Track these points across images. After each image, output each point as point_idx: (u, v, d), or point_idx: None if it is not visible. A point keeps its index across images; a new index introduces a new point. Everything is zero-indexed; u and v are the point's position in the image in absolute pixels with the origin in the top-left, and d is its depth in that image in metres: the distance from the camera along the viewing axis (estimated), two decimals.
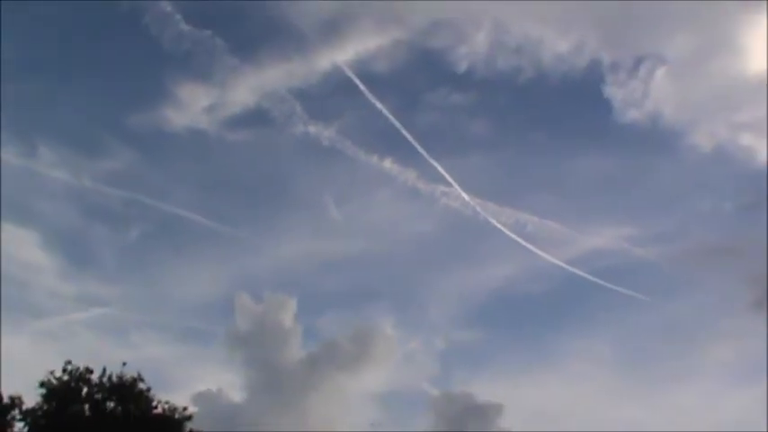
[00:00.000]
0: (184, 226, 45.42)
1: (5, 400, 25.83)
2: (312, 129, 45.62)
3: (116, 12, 38.92)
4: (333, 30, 44.65)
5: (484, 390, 52.53)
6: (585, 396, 60.84)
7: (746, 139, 64.58)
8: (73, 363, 26.46)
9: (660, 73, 63.73)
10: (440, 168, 51.40)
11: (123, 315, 46.75)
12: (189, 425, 27.36)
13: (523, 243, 54.85)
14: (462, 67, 52.66)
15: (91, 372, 26.64)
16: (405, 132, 48.24)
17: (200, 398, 44.06)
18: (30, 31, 41.89)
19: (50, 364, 25.47)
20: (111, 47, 43.47)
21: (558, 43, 52.23)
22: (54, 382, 26.06)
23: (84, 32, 42.70)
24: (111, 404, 26.44)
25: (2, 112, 41.75)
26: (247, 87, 43.55)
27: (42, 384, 26.03)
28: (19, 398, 26.01)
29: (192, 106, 43.61)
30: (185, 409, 27.55)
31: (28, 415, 25.73)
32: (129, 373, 26.87)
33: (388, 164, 49.46)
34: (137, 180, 43.97)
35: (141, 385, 26.94)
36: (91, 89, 43.50)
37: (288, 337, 49.42)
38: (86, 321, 45.18)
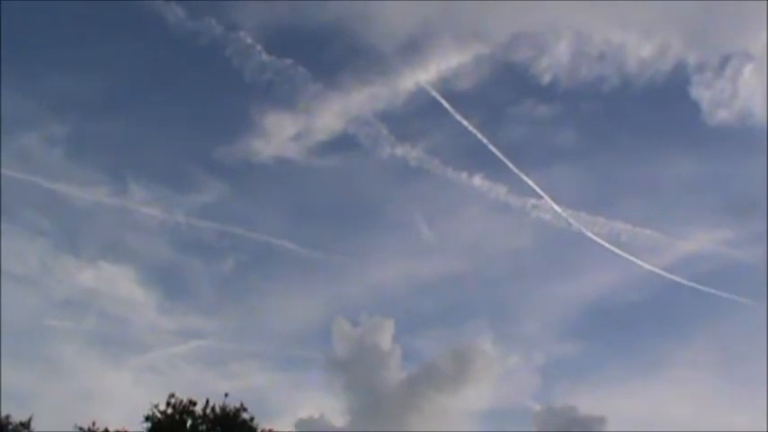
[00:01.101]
0: (278, 254, 45.68)
1: None
2: (399, 150, 45.18)
3: (198, 46, 39.39)
4: (414, 50, 44.20)
5: (586, 402, 50.62)
6: (689, 403, 57.83)
7: None
8: (176, 395, 26.34)
9: (747, 70, 60.40)
10: (529, 181, 50.00)
11: (222, 346, 47.21)
12: None
13: (619, 252, 52.61)
14: (546, 78, 51.23)
15: (194, 404, 26.42)
16: (492, 147, 47.27)
17: (302, 424, 43.73)
18: (114, 71, 42.87)
19: (154, 398, 25.39)
20: (194, 81, 44.12)
21: (642, 47, 50.22)
22: (159, 415, 25.94)
23: (168, 68, 43.45)
24: None
25: (94, 153, 42.73)
26: (332, 113, 43.35)
27: (147, 418, 25.94)
28: None
29: (279, 135, 43.78)
30: None
31: None
32: (232, 404, 26.58)
33: (477, 180, 48.52)
34: (228, 212, 44.36)
35: (244, 415, 26.58)
36: (178, 125, 44.23)
37: (387, 359, 48.85)
38: (187, 354, 45.82)
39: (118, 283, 41.24)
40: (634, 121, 63.56)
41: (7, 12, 40.76)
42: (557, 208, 50.89)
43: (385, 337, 48.70)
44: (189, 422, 26.08)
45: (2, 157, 40.11)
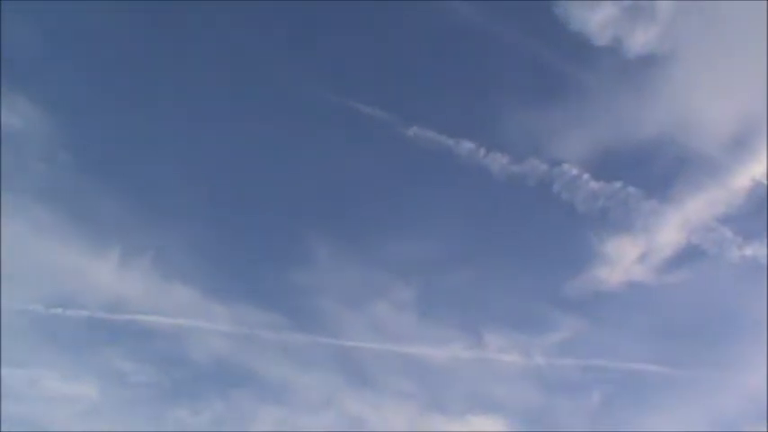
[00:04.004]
0: (644, 379, 43.04)
1: None
2: (748, 250, 41.42)
3: (524, 187, 39.03)
4: (742, 145, 41.02)
5: None
6: None
7: None
8: None
9: None
10: None
11: None
12: None
13: None
14: None
15: None
16: None
17: None
18: (448, 227, 43.24)
19: None
20: (527, 222, 43.46)
21: None
22: None
23: (498, 214, 43.22)
24: None
25: (443, 311, 43.09)
26: (672, 227, 40.81)
27: None
28: None
29: (623, 260, 41.72)
30: None
31: None
32: None
33: None
34: (586, 345, 42.48)
35: None
36: (520, 269, 43.43)
37: None
38: None
39: None
40: None
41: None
42: None
43: None
44: None
45: (360, 330, 41.01)
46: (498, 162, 39.02)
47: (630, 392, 44.60)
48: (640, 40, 38.90)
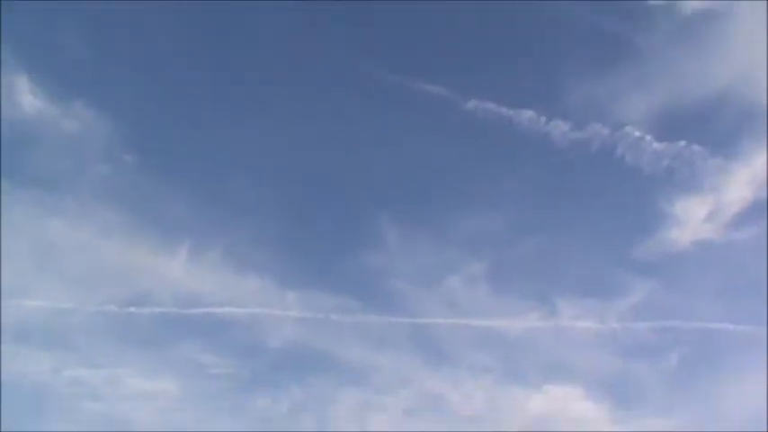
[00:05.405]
0: (720, 338, 42.58)
1: None
2: None
3: (587, 152, 38.80)
4: None
5: None
6: None
7: None
8: None
9: None
10: None
11: None
12: None
13: None
14: None
15: None
16: None
17: None
18: (511, 198, 42.91)
19: None
20: (593, 188, 42.97)
21: None
22: None
23: (562, 181, 42.84)
24: None
25: (515, 282, 42.82)
26: (739, 183, 40.21)
27: None
28: None
29: (691, 220, 41.20)
30: None
31: None
32: None
33: None
34: (660, 307, 42.06)
35: None
36: (590, 234, 42.82)
37: None
38: None
39: (568, 403, 40.13)
40: None
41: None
42: None
43: None
44: None
45: (433, 307, 40.95)
46: (560, 129, 38.73)
47: (708, 352, 44.33)
48: None
